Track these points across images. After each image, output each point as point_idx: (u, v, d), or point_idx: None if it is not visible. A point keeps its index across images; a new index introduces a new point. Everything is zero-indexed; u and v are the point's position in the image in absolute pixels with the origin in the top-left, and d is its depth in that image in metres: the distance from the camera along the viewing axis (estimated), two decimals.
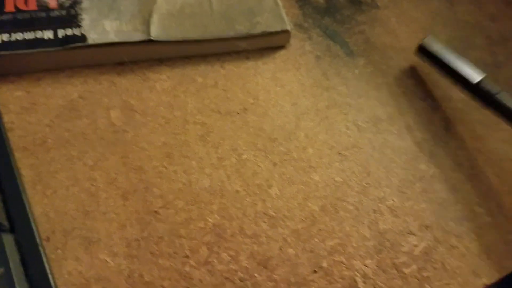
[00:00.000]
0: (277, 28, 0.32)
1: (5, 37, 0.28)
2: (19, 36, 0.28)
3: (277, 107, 0.30)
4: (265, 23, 0.32)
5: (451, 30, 0.37)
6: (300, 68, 0.33)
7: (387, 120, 0.31)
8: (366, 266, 0.25)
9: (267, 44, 0.33)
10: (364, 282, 0.24)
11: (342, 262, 0.25)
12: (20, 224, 0.22)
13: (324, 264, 0.25)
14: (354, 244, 0.25)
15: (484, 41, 0.37)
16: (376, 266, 0.25)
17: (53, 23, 0.29)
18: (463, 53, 0.36)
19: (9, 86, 0.28)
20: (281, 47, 0.34)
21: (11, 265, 0.20)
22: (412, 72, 0.34)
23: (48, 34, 0.29)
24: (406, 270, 0.25)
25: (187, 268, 0.24)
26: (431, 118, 0.31)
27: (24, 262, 0.21)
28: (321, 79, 0.32)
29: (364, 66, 0.34)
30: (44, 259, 0.21)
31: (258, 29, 0.32)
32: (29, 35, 0.28)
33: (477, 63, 0.35)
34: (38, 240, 0.22)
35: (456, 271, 0.25)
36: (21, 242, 0.21)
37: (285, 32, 0.33)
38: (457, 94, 0.33)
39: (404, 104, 0.32)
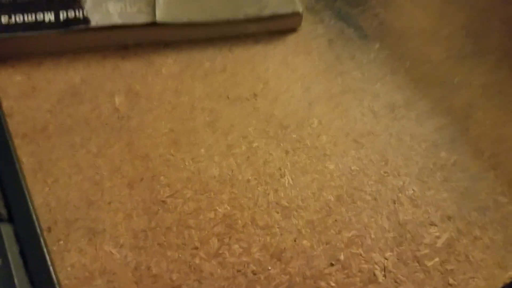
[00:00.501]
0: (288, 10, 0.31)
1: (4, 19, 0.27)
2: (19, 18, 0.27)
3: (289, 92, 0.29)
4: (275, 5, 0.31)
5: (467, 14, 0.35)
6: (312, 52, 0.31)
7: (404, 106, 0.29)
8: (386, 259, 0.23)
9: (277, 27, 0.32)
10: (384, 276, 0.23)
11: (360, 255, 0.23)
12: (19, 213, 0.21)
13: (341, 257, 0.23)
14: (372, 236, 0.24)
15: (503, 25, 0.35)
16: (397, 258, 0.23)
17: (55, 4, 0.28)
18: (481, 37, 0.34)
19: (8, 70, 0.27)
20: (292, 30, 0.32)
21: (10, 256, 0.18)
22: (430, 56, 0.32)
23: (49, 16, 0.27)
24: (429, 263, 0.23)
25: (196, 260, 0.22)
26: (451, 104, 0.30)
27: (23, 254, 0.19)
28: (335, 64, 0.31)
29: (379, 50, 0.32)
30: (45, 251, 0.20)
31: (268, 11, 0.30)
32: (29, 17, 0.27)
33: (496, 48, 0.33)
34: (38, 231, 0.20)
35: (480, 263, 0.24)
36: (20, 232, 0.20)
37: (296, 14, 0.31)
38: (477, 79, 0.32)
39: (422, 89, 0.30)
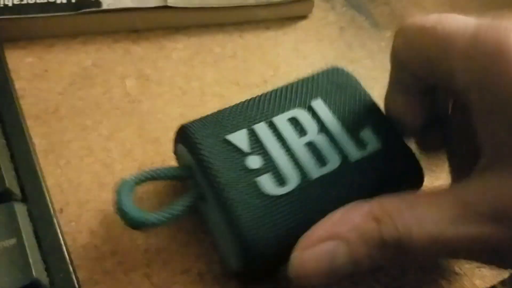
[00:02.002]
0: None
1: (16, 0, 0.27)
2: None
3: None
4: None
5: (478, 3, 0.35)
6: (323, 40, 0.31)
7: None
8: None
9: (288, 14, 0.31)
10: None
11: None
12: (32, 193, 0.21)
13: None
14: None
15: None
16: None
17: None
18: None
19: (20, 52, 0.27)
20: (303, 17, 0.32)
21: (24, 236, 0.19)
22: None
23: None
24: None
25: (205, 244, 0.23)
26: None
27: (37, 234, 0.20)
28: (345, 52, 0.31)
29: (390, 38, 0.32)
30: (58, 231, 0.20)
31: None
32: None
33: None
34: (51, 211, 0.21)
35: None
36: (34, 212, 0.20)
37: (308, 1, 0.31)
38: None
39: None
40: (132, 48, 0.28)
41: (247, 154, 0.20)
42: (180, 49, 0.29)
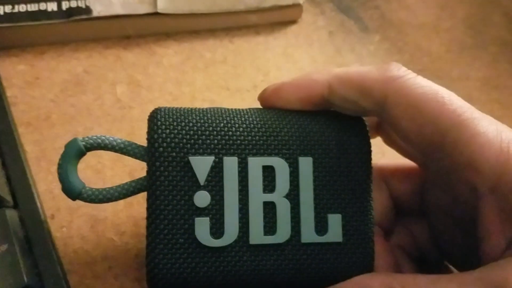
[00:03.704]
0: (288, 1, 0.31)
1: (7, 8, 0.27)
2: (22, 7, 0.27)
3: None
4: None
5: (468, 7, 0.35)
6: (312, 44, 0.32)
7: None
8: None
9: (278, 19, 0.32)
10: None
11: None
12: (24, 200, 0.21)
13: None
14: None
15: (502, 19, 0.35)
16: None
17: None
18: (480, 31, 0.34)
19: (12, 60, 0.27)
20: (292, 22, 0.32)
21: (15, 241, 0.19)
22: (429, 49, 0.33)
23: (52, 6, 0.28)
24: None
25: None
26: None
27: (28, 239, 0.20)
28: (335, 56, 0.31)
29: (379, 42, 0.32)
30: (49, 236, 0.21)
31: (269, 2, 0.30)
32: (32, 7, 0.27)
33: (496, 42, 0.34)
34: (42, 217, 0.21)
35: None
36: (25, 218, 0.20)
37: (297, 5, 0.31)
38: (476, 73, 0.32)
39: None
40: (123, 55, 0.29)
41: (200, 188, 0.18)
42: (170, 55, 0.29)
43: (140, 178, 0.19)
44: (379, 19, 0.34)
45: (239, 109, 0.20)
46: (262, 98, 0.21)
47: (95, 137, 0.19)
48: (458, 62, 0.32)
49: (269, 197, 0.18)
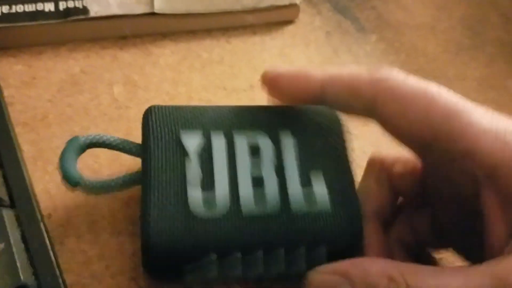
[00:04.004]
0: (285, 1, 0.31)
1: (5, 9, 0.27)
2: (19, 8, 0.27)
3: None
4: None
5: (466, 8, 0.36)
6: (309, 44, 0.32)
7: None
8: None
9: (275, 19, 0.32)
10: None
11: None
12: (20, 200, 0.21)
13: None
14: None
15: (500, 19, 0.35)
16: None
17: None
18: (477, 31, 0.34)
19: (9, 60, 0.27)
20: (289, 22, 0.32)
21: (12, 241, 0.19)
22: (426, 49, 0.33)
23: (49, 6, 0.28)
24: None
25: None
26: None
27: (25, 238, 0.20)
28: (332, 56, 0.31)
29: (376, 43, 0.32)
30: (46, 236, 0.21)
31: (266, 2, 0.31)
32: (29, 7, 0.28)
33: (493, 42, 0.34)
34: (39, 217, 0.21)
35: None
36: (22, 218, 0.21)
37: (294, 6, 0.31)
38: (472, 73, 0.32)
39: None
40: (120, 55, 0.29)
41: (191, 161, 0.19)
42: (167, 55, 0.29)
43: (136, 172, 0.21)
44: (375, 19, 0.34)
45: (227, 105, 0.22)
46: (262, 79, 0.21)
47: (94, 135, 0.21)
48: (455, 63, 0.32)
49: (256, 172, 0.19)
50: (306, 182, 0.20)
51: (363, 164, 0.26)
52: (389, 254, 0.21)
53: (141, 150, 0.21)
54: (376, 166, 0.22)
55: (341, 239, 0.19)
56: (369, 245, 0.20)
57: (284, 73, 0.21)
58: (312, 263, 0.18)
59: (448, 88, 0.19)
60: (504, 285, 0.15)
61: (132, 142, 0.21)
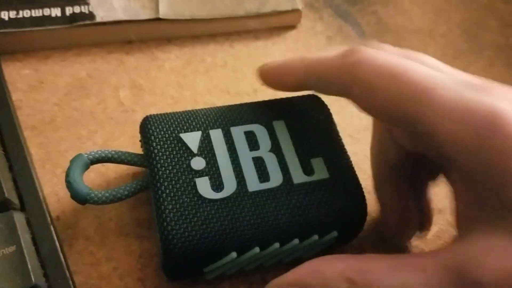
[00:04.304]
0: (288, 7, 0.32)
1: (12, 14, 0.28)
2: (26, 13, 0.28)
3: None
4: (275, 2, 0.31)
5: (464, 12, 0.36)
6: (311, 49, 0.32)
7: None
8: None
9: (277, 24, 0.32)
10: None
11: None
12: (30, 203, 0.22)
13: None
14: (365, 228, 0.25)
15: (497, 23, 0.36)
16: (389, 249, 0.25)
17: (61, 0, 0.29)
18: (476, 35, 0.35)
19: (16, 64, 0.27)
20: (291, 27, 0.33)
21: (23, 243, 0.20)
22: (425, 53, 0.33)
23: (55, 12, 0.28)
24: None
25: None
26: None
27: (35, 241, 0.21)
28: None
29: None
30: (55, 238, 0.21)
31: (268, 8, 0.31)
32: (36, 12, 0.28)
33: (491, 46, 0.34)
34: (48, 219, 0.21)
35: None
36: (32, 220, 0.21)
37: (296, 11, 0.32)
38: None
39: None
40: (126, 59, 0.29)
41: (194, 155, 0.21)
42: (172, 59, 0.30)
43: (140, 179, 0.22)
44: (376, 24, 0.34)
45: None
46: (257, 74, 0.23)
47: (96, 151, 0.22)
48: (453, 66, 0.33)
49: (255, 153, 0.21)
50: (303, 158, 0.22)
51: (366, 167, 0.27)
52: (404, 210, 0.23)
53: (144, 159, 0.22)
54: (380, 129, 0.23)
55: (342, 204, 0.21)
56: (384, 204, 0.23)
57: (273, 66, 0.22)
58: (321, 229, 0.20)
59: (424, 59, 0.19)
60: (461, 277, 0.14)
61: (134, 154, 0.22)
